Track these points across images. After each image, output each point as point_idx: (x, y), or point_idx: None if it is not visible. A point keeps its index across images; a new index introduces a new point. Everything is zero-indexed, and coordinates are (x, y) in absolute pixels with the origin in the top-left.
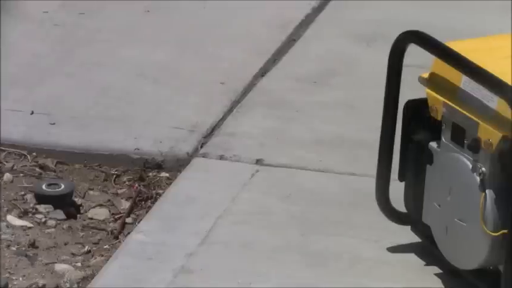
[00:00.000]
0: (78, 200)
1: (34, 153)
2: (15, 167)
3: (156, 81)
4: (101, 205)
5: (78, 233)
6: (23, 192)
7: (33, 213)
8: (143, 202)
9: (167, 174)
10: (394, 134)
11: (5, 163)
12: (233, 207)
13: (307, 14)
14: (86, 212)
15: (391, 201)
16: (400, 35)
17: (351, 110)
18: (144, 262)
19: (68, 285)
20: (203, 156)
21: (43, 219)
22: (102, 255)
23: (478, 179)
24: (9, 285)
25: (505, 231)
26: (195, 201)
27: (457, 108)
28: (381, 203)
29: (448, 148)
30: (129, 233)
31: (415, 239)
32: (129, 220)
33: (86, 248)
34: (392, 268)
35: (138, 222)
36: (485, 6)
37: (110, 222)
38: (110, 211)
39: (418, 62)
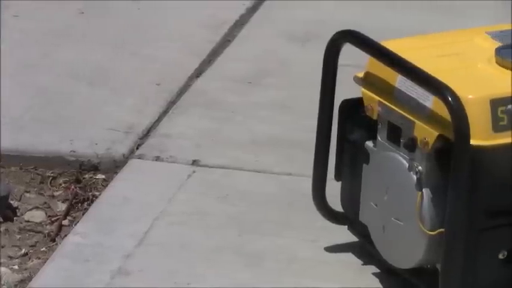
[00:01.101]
0: (14, 203)
1: None
2: None
3: (91, 83)
4: (37, 207)
5: (14, 236)
6: None
7: None
8: (80, 204)
9: (103, 176)
10: (330, 133)
11: None
12: (170, 208)
13: (242, 14)
14: (23, 214)
15: (328, 200)
16: (334, 34)
17: (287, 110)
18: (81, 264)
19: (5, 287)
20: (139, 158)
21: None
22: (39, 258)
23: (414, 178)
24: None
25: (442, 229)
26: (132, 202)
27: (393, 107)
28: (317, 203)
29: (384, 147)
30: (66, 235)
31: (352, 238)
32: (65, 222)
33: (23, 251)
34: (329, 268)
35: (75, 224)
36: (420, 6)
37: (46, 225)
38: (46, 213)
39: (354, 62)
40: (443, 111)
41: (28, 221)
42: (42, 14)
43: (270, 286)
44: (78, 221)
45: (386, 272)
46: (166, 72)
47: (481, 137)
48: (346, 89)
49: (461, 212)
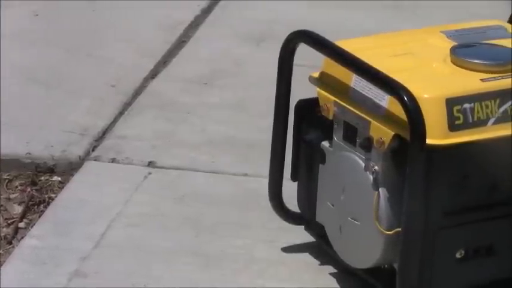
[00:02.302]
0: None
1: None
2: None
3: (47, 85)
4: None
5: None
6: None
7: None
8: (36, 206)
9: (59, 178)
10: (286, 133)
11: None
12: (126, 210)
13: (197, 15)
14: None
15: (285, 201)
16: (289, 34)
17: (242, 111)
18: (38, 266)
19: None
20: (95, 160)
21: None
22: None
23: (370, 177)
24: None
25: (399, 229)
26: (88, 204)
27: (349, 107)
28: (274, 204)
29: (340, 147)
30: (22, 238)
31: (309, 238)
32: (22, 225)
33: None
34: (287, 268)
35: (31, 226)
36: (375, 5)
37: (2, 228)
38: (2, 216)
39: (309, 62)
40: (399, 111)
41: None
42: None
43: (227, 287)
44: (34, 224)
45: (344, 272)
46: (121, 73)
47: (437, 136)
48: (301, 89)
49: (418, 211)
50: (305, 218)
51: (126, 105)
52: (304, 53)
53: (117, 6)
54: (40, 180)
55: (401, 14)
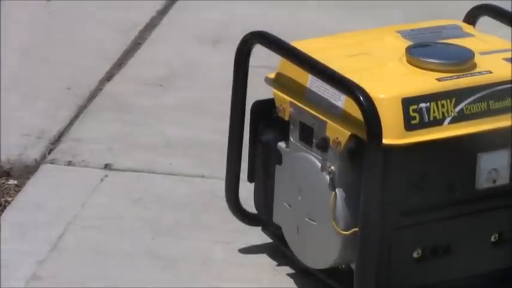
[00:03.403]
0: None
1: None
2: None
3: (2, 88)
4: None
5: None
6: None
7: None
8: None
9: (15, 182)
10: (243, 135)
11: None
12: (83, 213)
13: (152, 17)
14: None
15: (242, 202)
16: (245, 35)
17: (198, 112)
18: None
19: None
20: (51, 163)
21: None
22: None
23: (327, 178)
24: None
25: (356, 229)
26: (45, 207)
27: (305, 107)
28: (231, 205)
29: (297, 148)
30: None
31: (266, 239)
32: None
33: None
34: (244, 269)
35: None
36: (331, 5)
37: None
38: None
39: (266, 63)
40: (355, 111)
41: None
42: None
43: None
44: None
45: (301, 273)
46: (77, 76)
47: (393, 136)
48: (258, 91)
49: (375, 211)
50: (262, 219)
51: (82, 108)
52: (260, 54)
53: (72, 9)
54: None
55: (358, 14)
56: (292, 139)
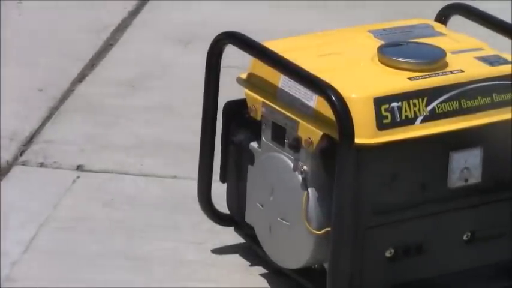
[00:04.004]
0: None
1: None
2: None
3: None
4: None
5: None
6: None
7: None
8: None
9: None
10: (215, 135)
11: None
12: (55, 214)
13: (124, 18)
14: None
15: (214, 202)
16: (217, 36)
17: (171, 113)
18: None
19: None
20: (23, 164)
21: None
22: None
23: (299, 178)
24: None
25: (329, 229)
26: (17, 209)
27: (277, 107)
28: (203, 205)
29: (269, 148)
30: None
31: (239, 240)
32: None
33: None
34: (217, 270)
35: None
36: (303, 5)
37: None
38: None
39: (238, 63)
40: (327, 111)
41: None
42: None
43: None
44: None
45: (274, 273)
46: (48, 77)
47: (365, 135)
48: (230, 91)
49: (347, 210)
50: (235, 219)
51: (54, 109)
52: (232, 55)
53: (43, 10)
54: None
55: (329, 14)
56: (264, 139)
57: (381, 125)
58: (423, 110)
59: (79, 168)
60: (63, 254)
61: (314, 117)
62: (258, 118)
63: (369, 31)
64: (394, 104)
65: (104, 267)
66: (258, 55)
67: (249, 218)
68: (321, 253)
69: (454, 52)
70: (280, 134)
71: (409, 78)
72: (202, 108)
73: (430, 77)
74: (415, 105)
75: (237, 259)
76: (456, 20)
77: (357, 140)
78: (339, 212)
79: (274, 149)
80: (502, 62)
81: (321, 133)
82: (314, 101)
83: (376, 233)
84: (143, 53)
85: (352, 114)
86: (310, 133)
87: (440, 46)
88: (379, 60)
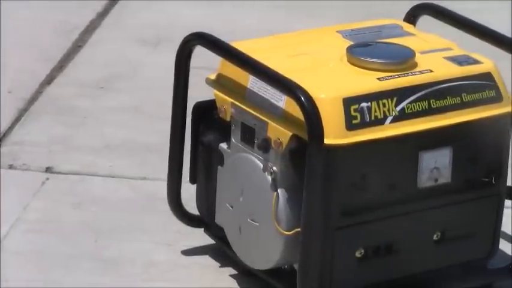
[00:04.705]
0: None
1: None
2: None
3: None
4: None
5: None
6: None
7: None
8: None
9: None
10: (184, 136)
11: None
12: (25, 216)
13: (92, 19)
14: None
15: (184, 204)
16: (186, 37)
17: (140, 114)
18: None
19: None
20: None
21: None
22: None
23: (269, 178)
24: None
25: (299, 229)
26: None
27: (246, 108)
28: (173, 206)
29: (239, 149)
30: None
31: (209, 241)
32: None
33: None
34: (187, 271)
35: None
36: (272, 5)
37: None
38: None
39: (207, 64)
40: (296, 111)
41: None
42: None
43: None
44: None
45: (244, 274)
46: (17, 79)
47: (334, 136)
48: (199, 92)
49: (317, 211)
50: (204, 220)
51: (23, 111)
52: (202, 55)
53: (11, 12)
54: None
55: (298, 15)
56: (233, 140)
57: (350, 126)
58: (392, 110)
59: (48, 170)
60: (32, 255)
61: (283, 117)
62: (227, 119)
63: (338, 31)
64: (364, 104)
65: (73, 269)
66: (226, 56)
67: (219, 219)
68: (291, 254)
69: (423, 52)
70: (250, 135)
71: (378, 79)
72: (172, 110)
73: (399, 77)
74: (384, 105)
75: (206, 260)
76: (425, 20)
77: (326, 141)
78: (308, 212)
79: (243, 149)
80: (471, 62)
81: (290, 134)
82: (283, 101)
83: (346, 234)
84: (112, 55)
85: (321, 114)
86: (279, 134)
87: (409, 46)
88: (348, 61)
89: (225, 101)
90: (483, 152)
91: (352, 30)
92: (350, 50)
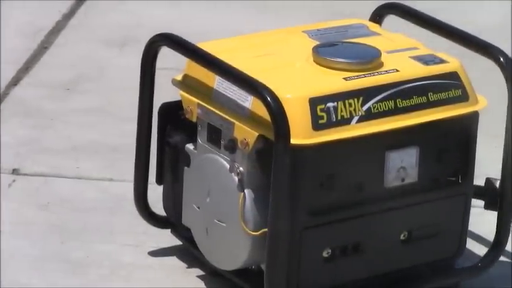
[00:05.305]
0: None
1: None
2: None
3: None
4: None
5: None
6: None
7: None
8: None
9: None
10: (150, 137)
11: None
12: None
13: (58, 20)
14: None
15: (151, 205)
16: (151, 38)
17: (106, 115)
18: None
19: None
20: None
21: None
22: None
23: (235, 179)
24: None
25: (266, 229)
26: None
27: (212, 109)
28: (139, 208)
29: (205, 149)
30: None
31: (176, 242)
32: None
33: None
34: (154, 272)
35: None
36: (239, 6)
37: None
38: None
39: (174, 65)
40: (262, 112)
41: None
42: None
43: None
44: None
45: (212, 274)
46: None
47: (301, 136)
48: (165, 93)
49: (284, 211)
50: (171, 221)
51: None
52: (168, 56)
53: None
54: None
55: (264, 15)
56: (200, 141)
57: (317, 126)
58: (359, 110)
59: (15, 171)
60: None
61: (250, 118)
62: (194, 120)
63: (304, 31)
64: (330, 104)
65: (41, 271)
66: (192, 56)
67: (186, 220)
68: (258, 254)
69: (389, 52)
70: (216, 136)
71: (345, 78)
72: (138, 111)
73: (365, 76)
74: (350, 105)
75: (174, 261)
76: (391, 19)
77: (293, 141)
78: (275, 212)
79: (210, 150)
80: (437, 61)
81: (257, 134)
82: (250, 102)
83: (313, 234)
84: (78, 56)
85: (287, 114)
86: (246, 134)
87: (375, 46)
88: (314, 61)
89: (191, 102)
90: (450, 152)
91: (318, 30)
92: (316, 50)
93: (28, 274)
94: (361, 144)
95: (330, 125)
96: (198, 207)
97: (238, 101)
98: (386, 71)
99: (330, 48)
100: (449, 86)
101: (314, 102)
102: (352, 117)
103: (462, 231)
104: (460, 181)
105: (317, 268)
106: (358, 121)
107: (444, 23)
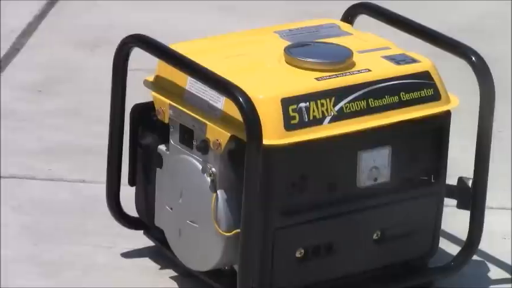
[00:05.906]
0: None
1: None
2: None
3: None
4: None
5: None
6: None
7: None
8: None
9: None
10: (123, 138)
11: None
12: None
13: (29, 22)
14: None
15: (123, 206)
16: (123, 39)
17: (78, 117)
18: None
19: None
20: None
21: None
22: None
23: (208, 180)
24: None
25: (238, 230)
26: None
27: (184, 110)
28: (112, 209)
29: (177, 150)
30: None
31: (149, 243)
32: None
33: None
34: (127, 273)
35: None
36: (210, 7)
37: None
38: None
39: (145, 66)
40: (234, 112)
41: None
42: None
43: None
44: None
45: (185, 275)
46: None
47: (273, 136)
48: (138, 94)
49: (256, 212)
50: (144, 222)
51: None
52: (140, 57)
53: None
54: None
55: (236, 16)
56: (172, 142)
57: (289, 126)
58: (331, 110)
59: None
60: None
61: (222, 118)
62: (166, 121)
63: (275, 32)
64: (302, 105)
65: (13, 273)
66: (163, 57)
67: (159, 221)
68: (231, 255)
69: (361, 51)
70: (188, 137)
71: (316, 79)
72: (110, 112)
73: (337, 76)
74: (322, 105)
75: (147, 262)
76: (363, 19)
77: (265, 141)
78: (248, 213)
79: (182, 151)
80: (409, 61)
81: (229, 135)
82: (221, 102)
83: (286, 234)
84: (50, 57)
85: (259, 115)
86: (218, 135)
87: (347, 46)
88: (285, 61)
89: (163, 103)
90: (422, 151)
91: (289, 30)
92: (288, 50)
93: (1, 276)
94: (333, 144)
95: (302, 125)
96: (171, 208)
97: (210, 101)
98: (358, 71)
99: (301, 49)
100: (421, 86)
101: (286, 102)
102: (324, 117)
103: (435, 230)
104: (432, 180)
105: (290, 268)
106: (331, 121)
107: (416, 23)
